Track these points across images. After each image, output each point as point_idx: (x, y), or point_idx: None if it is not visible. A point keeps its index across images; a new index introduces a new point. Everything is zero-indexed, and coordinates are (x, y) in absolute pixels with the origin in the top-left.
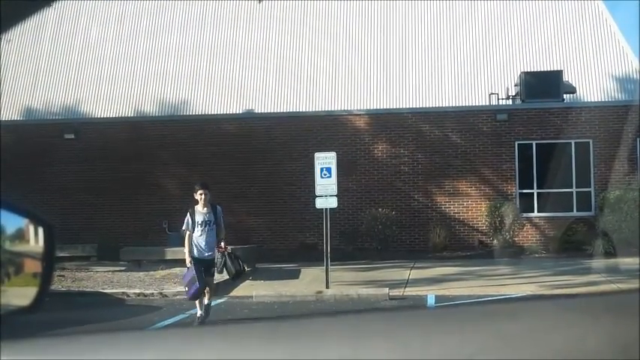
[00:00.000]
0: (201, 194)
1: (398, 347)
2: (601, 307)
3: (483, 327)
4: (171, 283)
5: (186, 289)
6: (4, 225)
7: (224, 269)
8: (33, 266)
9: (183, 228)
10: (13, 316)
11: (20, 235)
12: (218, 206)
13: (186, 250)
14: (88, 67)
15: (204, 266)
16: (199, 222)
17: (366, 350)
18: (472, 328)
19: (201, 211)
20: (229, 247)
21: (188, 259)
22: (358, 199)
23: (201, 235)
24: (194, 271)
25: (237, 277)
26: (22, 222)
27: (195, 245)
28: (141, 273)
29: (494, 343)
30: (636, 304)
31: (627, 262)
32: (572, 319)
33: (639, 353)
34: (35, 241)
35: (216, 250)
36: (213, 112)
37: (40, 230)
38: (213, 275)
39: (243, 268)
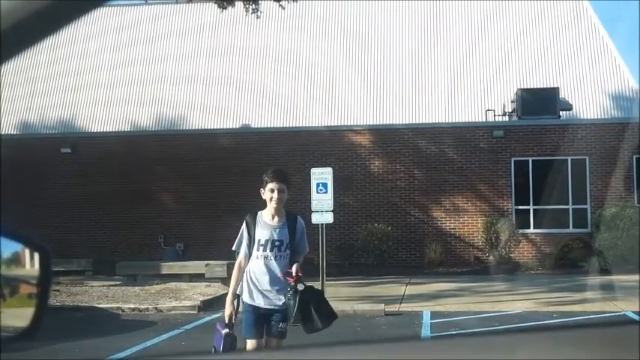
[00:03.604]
0: (274, 191)
1: None
2: (598, 341)
3: None
4: (167, 298)
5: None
6: (2, 250)
7: (298, 316)
8: (29, 291)
9: (234, 248)
10: (10, 342)
11: (16, 260)
12: (299, 218)
13: (231, 286)
14: (86, 81)
15: (264, 320)
16: (262, 241)
17: None
18: None
19: (269, 222)
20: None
21: (229, 310)
22: (354, 215)
23: (262, 264)
24: (248, 326)
25: (319, 328)
26: (18, 247)
27: (251, 281)
28: (136, 288)
29: None
30: (633, 336)
31: (623, 279)
32: (569, 353)
33: None
34: (31, 265)
35: (284, 278)
36: (210, 127)
37: (36, 255)
38: (283, 335)
39: (332, 313)
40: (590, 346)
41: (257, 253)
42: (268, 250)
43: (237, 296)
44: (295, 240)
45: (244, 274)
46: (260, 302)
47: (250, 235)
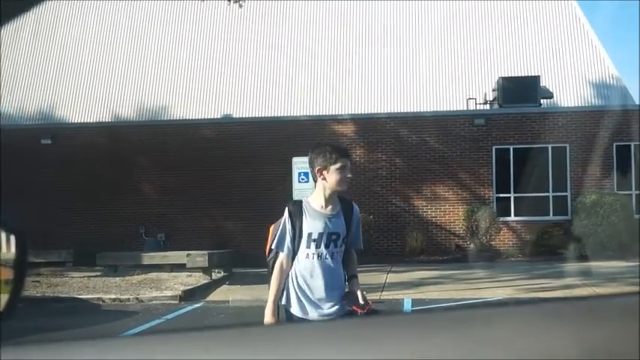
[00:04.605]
0: (345, 168)
1: (372, 353)
2: (572, 313)
3: (458, 332)
4: (148, 289)
5: None
6: None
7: None
8: (5, 274)
9: (272, 245)
10: None
11: None
12: (355, 204)
13: (271, 293)
14: (66, 71)
15: None
16: (314, 235)
17: (339, 356)
18: (446, 333)
19: (320, 210)
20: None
21: (270, 318)
22: None
23: (316, 265)
24: None
25: None
26: None
27: (299, 288)
28: (117, 278)
29: (468, 349)
30: (606, 308)
31: (602, 265)
32: (544, 324)
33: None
34: (7, 248)
35: (348, 309)
36: (191, 117)
37: (12, 238)
38: None
39: None
40: (564, 317)
41: (307, 251)
42: (323, 246)
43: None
44: (351, 232)
45: (288, 279)
46: (314, 315)
47: (295, 227)
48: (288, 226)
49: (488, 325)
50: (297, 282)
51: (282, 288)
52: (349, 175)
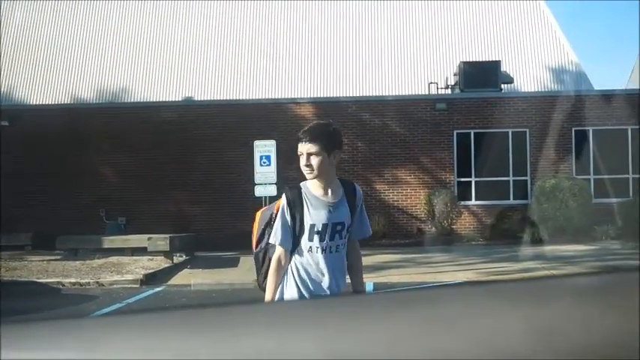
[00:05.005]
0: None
1: (322, 334)
2: (519, 293)
3: (406, 313)
4: (108, 272)
5: None
6: None
7: None
8: None
9: (271, 240)
10: None
11: None
12: (357, 186)
13: (268, 292)
14: (24, 52)
15: None
16: (318, 227)
17: (290, 338)
18: (395, 314)
19: (321, 197)
20: None
21: None
22: None
23: (319, 260)
24: None
25: None
26: None
27: (302, 284)
28: (77, 262)
29: (416, 329)
30: (555, 289)
31: (561, 249)
32: (492, 305)
33: (553, 338)
34: None
35: None
36: (152, 100)
37: None
38: None
39: None
40: (513, 298)
41: (309, 244)
42: (327, 238)
43: None
44: (355, 220)
45: (287, 276)
46: None
47: (296, 217)
48: (288, 217)
49: (434, 306)
50: (300, 275)
51: (280, 285)
52: (331, 158)
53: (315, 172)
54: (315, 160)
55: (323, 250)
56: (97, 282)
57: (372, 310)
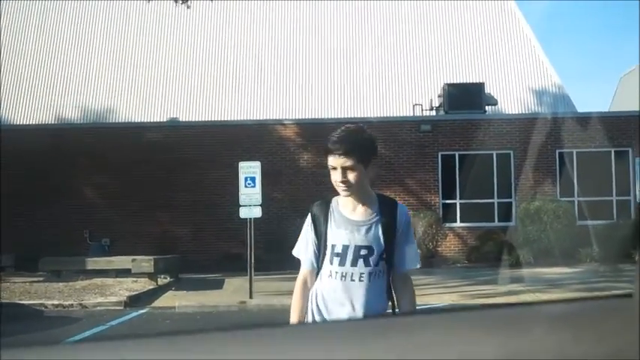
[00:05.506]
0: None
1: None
2: (496, 320)
3: (382, 342)
4: (92, 294)
5: None
6: None
7: None
8: None
9: (294, 252)
10: None
11: None
12: (401, 205)
13: (293, 314)
14: (8, 72)
15: None
16: (338, 248)
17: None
18: (369, 343)
19: (347, 213)
20: None
21: None
22: (283, 209)
23: (339, 287)
24: None
25: None
26: None
27: (315, 310)
28: (60, 284)
29: (392, 357)
30: (529, 316)
31: (546, 271)
32: (468, 333)
33: None
34: None
35: None
36: (137, 120)
37: None
38: None
39: None
40: (485, 325)
41: (330, 268)
42: (348, 263)
43: None
44: (394, 244)
45: (311, 299)
46: None
47: (320, 236)
48: (311, 234)
49: (410, 333)
50: (317, 302)
51: (307, 308)
52: (355, 176)
53: (354, 187)
54: (352, 175)
55: (342, 277)
56: (81, 304)
57: (348, 339)
